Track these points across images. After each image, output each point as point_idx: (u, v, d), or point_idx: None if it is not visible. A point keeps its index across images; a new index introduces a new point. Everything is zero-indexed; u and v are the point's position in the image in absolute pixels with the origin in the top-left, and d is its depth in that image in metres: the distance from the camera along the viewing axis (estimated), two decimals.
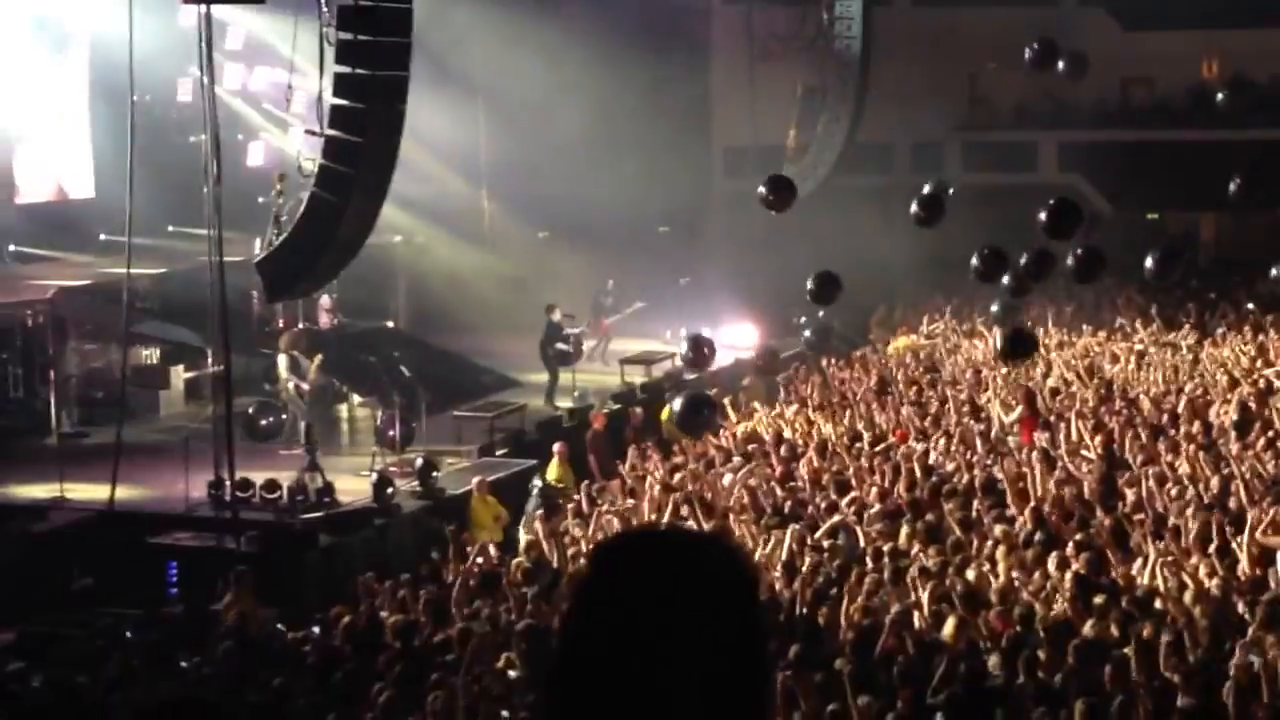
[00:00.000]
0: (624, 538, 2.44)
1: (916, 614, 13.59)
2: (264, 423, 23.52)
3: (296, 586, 17.47)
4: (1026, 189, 24.31)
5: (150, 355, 26.24)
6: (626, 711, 2.25)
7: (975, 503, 17.19)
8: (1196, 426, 20.37)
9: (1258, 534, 14.97)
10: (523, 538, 17.64)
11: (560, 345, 26.95)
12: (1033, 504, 16.75)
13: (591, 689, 2.26)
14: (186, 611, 17.08)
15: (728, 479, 19.17)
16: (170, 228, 26.01)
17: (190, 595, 17.66)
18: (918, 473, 18.62)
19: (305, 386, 22.92)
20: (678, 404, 19.68)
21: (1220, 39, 41.58)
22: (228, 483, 19.69)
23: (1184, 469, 18.19)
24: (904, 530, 16.31)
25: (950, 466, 19.15)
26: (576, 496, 19.31)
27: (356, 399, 23.05)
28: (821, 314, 31.88)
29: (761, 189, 22.17)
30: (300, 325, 25.13)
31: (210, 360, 23.36)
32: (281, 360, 23.22)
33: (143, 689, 13.22)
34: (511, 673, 12.91)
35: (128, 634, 16.03)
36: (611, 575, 2.32)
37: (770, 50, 38.76)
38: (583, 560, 15.68)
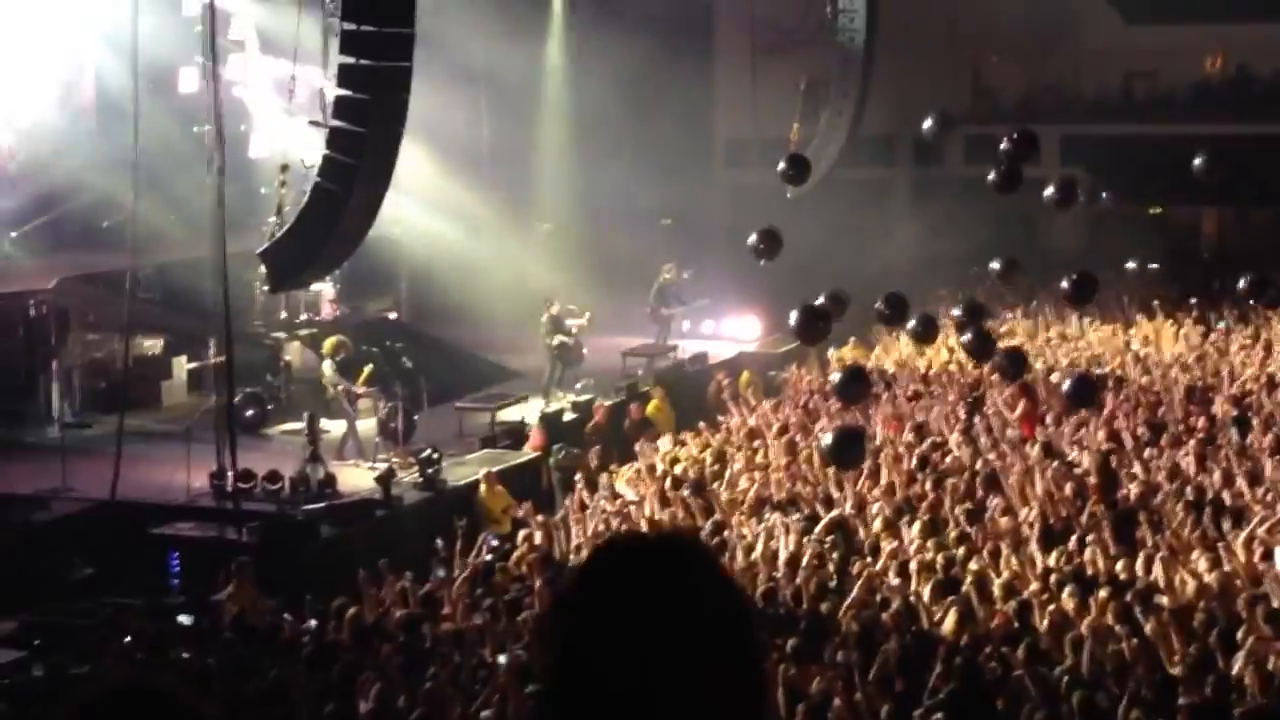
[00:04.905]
0: (603, 550, 2.45)
1: (917, 608, 13.61)
2: (248, 414, 23.44)
3: (298, 578, 17.47)
4: (1028, 182, 24.22)
5: (153, 346, 26.25)
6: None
7: (977, 497, 17.20)
8: (1200, 421, 20.39)
9: (1258, 531, 14.99)
10: (522, 532, 17.67)
11: (560, 338, 26.95)
12: (1034, 498, 16.77)
13: (585, 702, 2.28)
14: (187, 602, 17.09)
15: (728, 472, 19.18)
16: (171, 217, 26.00)
17: (191, 586, 17.67)
18: (918, 466, 18.65)
19: (356, 391, 22.88)
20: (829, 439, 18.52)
21: (1224, 33, 41.58)
22: (230, 473, 19.69)
23: (1186, 463, 18.20)
24: (905, 524, 16.31)
25: (951, 460, 19.16)
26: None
27: (358, 390, 23.06)
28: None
29: (781, 165, 22.50)
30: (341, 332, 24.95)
31: (212, 351, 23.35)
32: (327, 365, 23.15)
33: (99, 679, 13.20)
34: (501, 658, 12.89)
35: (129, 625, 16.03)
36: (594, 591, 2.34)
37: (773, 42, 38.73)
38: (581, 553, 15.70)
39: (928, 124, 23.35)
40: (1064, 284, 20.99)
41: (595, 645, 2.28)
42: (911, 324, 21.94)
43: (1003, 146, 22.29)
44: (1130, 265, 30.24)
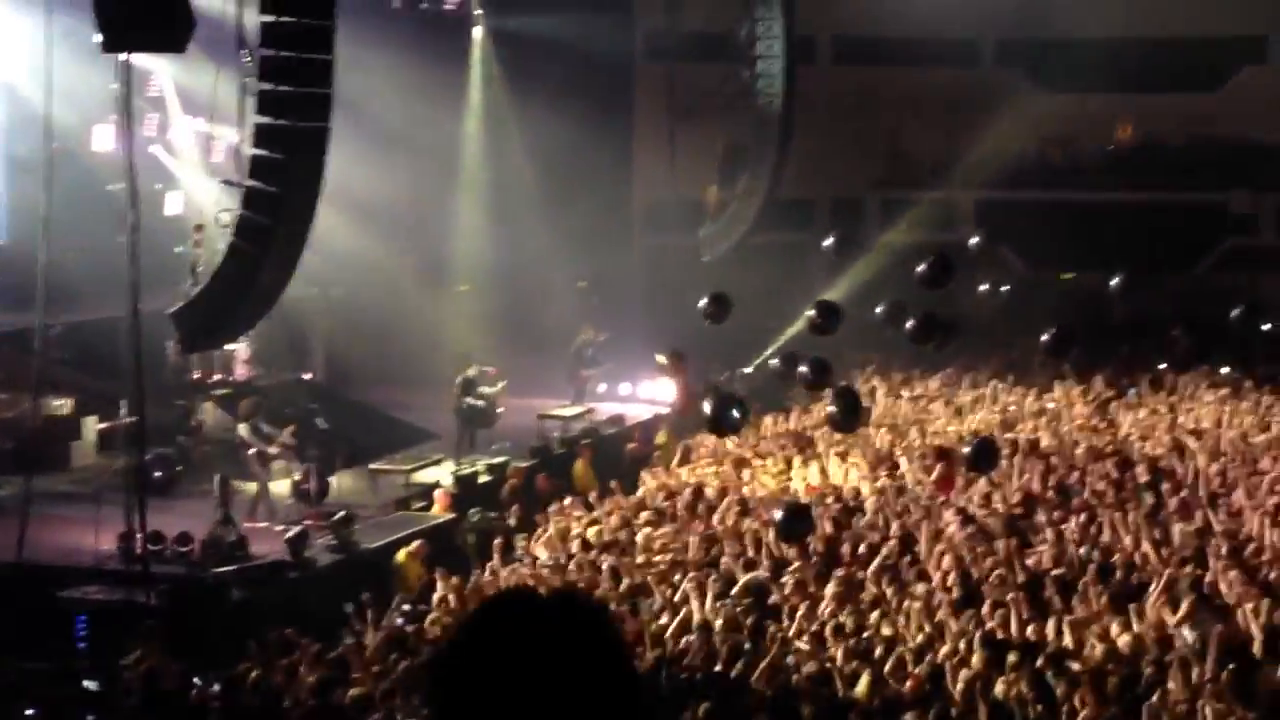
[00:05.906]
0: (488, 604, 2.42)
1: (831, 672, 13.59)
2: (158, 475, 23.14)
3: (208, 641, 17.23)
4: (944, 247, 24.49)
5: (62, 406, 25.90)
6: None
7: (891, 561, 17.23)
8: (1110, 486, 20.56)
9: (1167, 594, 15.10)
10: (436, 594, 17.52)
11: (470, 400, 26.84)
12: (947, 563, 16.82)
13: None
14: (95, 666, 16.81)
15: (643, 535, 19.14)
16: (83, 275, 25.69)
17: (99, 650, 17.39)
18: (835, 530, 18.68)
19: (270, 453, 22.69)
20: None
21: (1136, 101, 42.31)
22: (139, 535, 19.41)
23: (1097, 527, 18.33)
24: (820, 587, 16.32)
25: (866, 524, 19.20)
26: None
27: (272, 451, 22.86)
28: (747, 371, 32.07)
29: (703, 303, 23.16)
30: (255, 395, 24.78)
31: (124, 411, 23.07)
32: (243, 429, 22.97)
33: None
34: None
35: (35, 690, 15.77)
36: (471, 647, 2.31)
37: (692, 107, 38.97)
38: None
39: (828, 242, 24.15)
40: (1044, 338, 21.58)
41: (469, 697, 2.26)
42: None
43: (919, 270, 22.62)
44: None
